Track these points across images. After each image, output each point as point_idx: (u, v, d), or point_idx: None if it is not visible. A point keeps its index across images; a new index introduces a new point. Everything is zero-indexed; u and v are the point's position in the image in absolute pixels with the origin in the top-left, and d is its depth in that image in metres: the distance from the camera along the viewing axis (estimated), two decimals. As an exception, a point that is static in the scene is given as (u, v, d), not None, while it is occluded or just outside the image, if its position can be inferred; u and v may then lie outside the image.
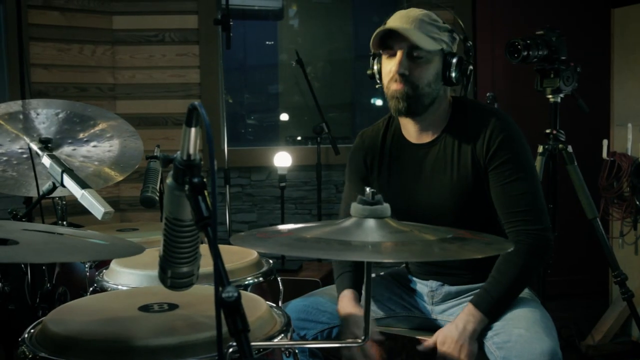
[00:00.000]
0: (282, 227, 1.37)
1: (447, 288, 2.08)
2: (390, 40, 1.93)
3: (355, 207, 1.26)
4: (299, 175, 4.27)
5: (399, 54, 1.92)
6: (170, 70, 4.25)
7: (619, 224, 3.51)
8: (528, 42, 2.83)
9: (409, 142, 2.07)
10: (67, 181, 2.08)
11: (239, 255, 1.99)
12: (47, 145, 2.36)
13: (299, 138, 5.13)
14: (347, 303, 1.97)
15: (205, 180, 1.13)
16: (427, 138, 2.04)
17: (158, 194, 2.69)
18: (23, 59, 3.18)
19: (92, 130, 2.55)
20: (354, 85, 6.11)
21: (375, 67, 2.04)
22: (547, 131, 2.97)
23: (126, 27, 4.20)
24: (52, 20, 3.98)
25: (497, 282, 1.89)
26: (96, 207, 1.97)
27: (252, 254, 2.02)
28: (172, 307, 1.45)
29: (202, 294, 1.52)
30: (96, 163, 2.48)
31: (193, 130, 1.12)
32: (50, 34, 3.98)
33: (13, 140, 2.42)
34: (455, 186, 1.99)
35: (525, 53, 2.83)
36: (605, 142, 3.46)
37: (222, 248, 2.00)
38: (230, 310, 0.99)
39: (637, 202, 3.30)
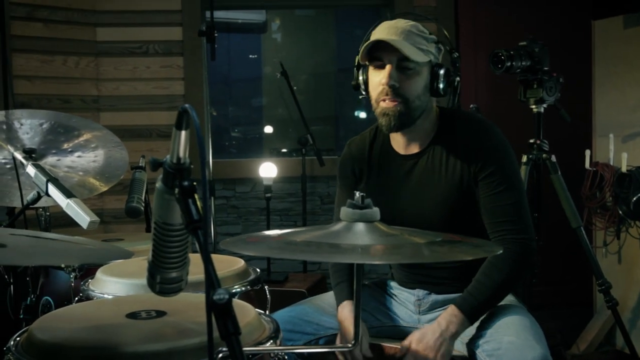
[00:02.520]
0: (271, 232, 1.36)
1: (434, 297, 2.07)
2: (379, 52, 1.92)
3: (344, 211, 1.26)
4: (284, 186, 4.27)
5: (388, 66, 1.91)
6: (155, 82, 4.24)
7: (602, 233, 3.54)
8: (511, 52, 2.86)
9: (397, 153, 2.08)
10: (52, 190, 2.06)
11: (226, 264, 1.98)
12: (31, 155, 2.35)
13: (283, 150, 5.13)
14: (348, 314, 1.95)
15: (195, 183, 1.13)
16: (414, 149, 2.04)
17: (143, 204, 2.68)
18: (7, 70, 3.16)
19: (76, 141, 2.54)
20: (337, 98, 6.13)
21: (361, 78, 2.03)
22: (531, 141, 3.00)
23: (110, 38, 4.19)
24: (36, 32, 3.96)
25: (481, 285, 1.89)
26: (81, 216, 1.95)
27: (239, 263, 2.01)
28: (160, 314, 1.43)
29: (190, 301, 1.51)
30: (81, 173, 2.46)
31: (183, 133, 1.12)
32: (33, 46, 3.95)
33: None
34: (443, 197, 1.99)
35: (509, 63, 2.85)
36: (587, 152, 3.49)
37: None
38: (221, 313, 0.98)
39: (620, 212, 3.33)
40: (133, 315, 1.42)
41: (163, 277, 1.23)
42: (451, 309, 1.87)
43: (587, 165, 3.48)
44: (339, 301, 2.03)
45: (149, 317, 1.41)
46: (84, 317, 1.43)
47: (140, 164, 2.82)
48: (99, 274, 1.92)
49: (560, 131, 3.32)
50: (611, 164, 3.43)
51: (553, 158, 2.97)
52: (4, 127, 2.50)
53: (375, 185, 2.10)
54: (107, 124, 4.02)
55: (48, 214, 2.57)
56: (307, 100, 5.19)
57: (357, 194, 1.26)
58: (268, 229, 3.63)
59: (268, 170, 3.20)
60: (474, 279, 1.92)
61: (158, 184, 1.16)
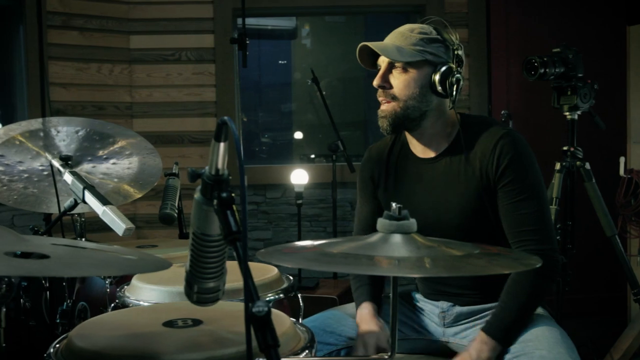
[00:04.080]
0: (307, 242, 1.36)
1: (459, 309, 2.03)
2: (377, 58, 1.98)
3: (381, 222, 1.25)
4: (314, 192, 4.27)
5: (381, 69, 1.96)
6: (187, 89, 4.27)
7: (637, 241, 3.49)
8: (545, 59, 2.83)
9: (415, 156, 2.06)
10: (89, 197, 2.09)
11: (259, 272, 1.98)
12: (68, 162, 2.38)
13: (312, 156, 5.13)
14: (366, 316, 1.95)
15: (233, 195, 1.13)
16: (431, 153, 2.02)
17: (176, 211, 2.70)
18: (44, 78, 3.21)
19: (111, 148, 2.55)
20: (366, 104, 6.12)
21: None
22: (565, 148, 2.96)
23: (143, 46, 4.24)
24: (71, 40, 4.02)
25: (507, 306, 1.85)
26: (117, 223, 1.97)
27: (273, 271, 2.01)
28: (197, 322, 1.44)
29: (227, 309, 1.52)
30: (116, 180, 2.47)
31: (222, 145, 1.12)
32: (69, 54, 4.01)
33: (34, 157, 2.42)
34: (460, 202, 1.96)
35: (542, 70, 2.82)
36: (622, 159, 3.44)
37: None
38: (260, 325, 0.98)
39: (656, 220, 3.28)
40: (170, 324, 1.43)
41: (201, 286, 1.24)
42: (480, 336, 1.83)
43: (621, 172, 3.42)
44: (358, 303, 2.02)
45: (186, 326, 1.42)
46: (122, 325, 1.44)
47: (173, 171, 2.84)
48: (134, 281, 1.94)
49: (593, 138, 3.27)
50: (646, 171, 3.38)
51: (587, 165, 2.93)
52: (41, 134, 2.53)
53: (393, 188, 2.09)
54: (140, 130, 4.07)
55: (83, 219, 2.59)
56: (337, 105, 5.20)
57: (394, 205, 1.26)
58: (299, 235, 3.62)
59: (300, 177, 3.21)
60: (499, 300, 1.88)
61: (196, 195, 1.16)
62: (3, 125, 4.20)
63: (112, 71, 4.18)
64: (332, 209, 3.96)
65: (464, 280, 2.02)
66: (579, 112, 2.94)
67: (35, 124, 2.55)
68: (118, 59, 4.19)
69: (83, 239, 2.53)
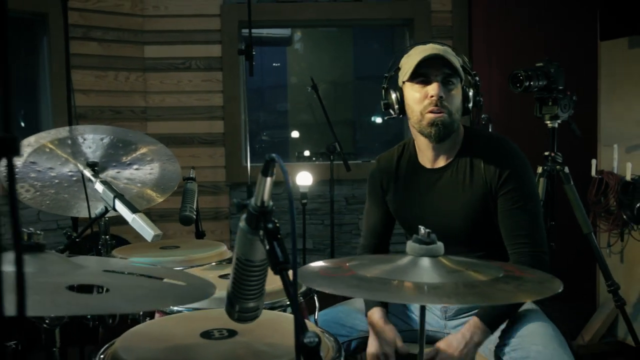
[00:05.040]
0: (338, 261, 1.30)
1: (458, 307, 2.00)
2: (424, 70, 1.87)
3: (411, 245, 1.20)
4: (313, 188, 4.21)
5: (435, 82, 1.87)
6: (196, 95, 4.18)
7: (606, 235, 3.47)
8: (529, 73, 2.79)
9: (423, 167, 2.02)
10: (119, 206, 2.03)
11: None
12: (94, 168, 2.31)
13: (307, 153, 5.06)
14: (377, 320, 1.90)
15: (278, 225, 1.07)
16: (440, 163, 1.98)
17: (195, 213, 2.64)
18: (70, 87, 3.12)
19: (133, 154, 2.48)
20: (355, 106, 6.07)
21: (394, 96, 1.97)
22: (546, 153, 2.92)
23: (156, 55, 4.14)
24: (91, 50, 3.92)
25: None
26: (146, 230, 1.93)
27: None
28: (232, 333, 1.38)
29: (259, 319, 1.46)
30: (139, 185, 2.40)
31: (269, 179, 1.07)
32: (89, 63, 3.91)
33: (63, 163, 2.35)
34: (465, 209, 1.93)
35: (527, 83, 2.78)
36: (593, 161, 3.41)
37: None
38: (310, 356, 0.93)
39: (625, 217, 3.26)
40: (207, 335, 1.36)
41: (242, 306, 1.18)
42: (474, 320, 1.80)
43: (593, 173, 3.40)
44: (368, 308, 1.97)
45: (222, 337, 1.36)
46: (163, 336, 1.38)
47: (191, 176, 2.79)
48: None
49: (567, 142, 3.24)
50: (615, 172, 3.35)
51: (566, 169, 2.90)
52: (69, 142, 2.46)
53: (401, 196, 2.04)
54: (154, 132, 3.99)
55: (107, 218, 2.52)
56: (327, 107, 5.16)
57: (422, 229, 1.20)
58: (304, 231, 3.55)
59: (305, 178, 3.14)
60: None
61: (242, 224, 1.10)
62: (25, 124, 4.11)
63: (128, 78, 4.08)
64: (330, 203, 3.90)
65: None
66: (559, 121, 2.91)
67: (63, 132, 2.48)
68: (133, 67, 4.09)
69: (107, 236, 2.46)
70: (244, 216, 1.09)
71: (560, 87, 2.84)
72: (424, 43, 1.95)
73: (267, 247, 1.02)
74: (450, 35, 4.13)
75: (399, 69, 1.97)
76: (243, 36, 4.16)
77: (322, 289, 1.09)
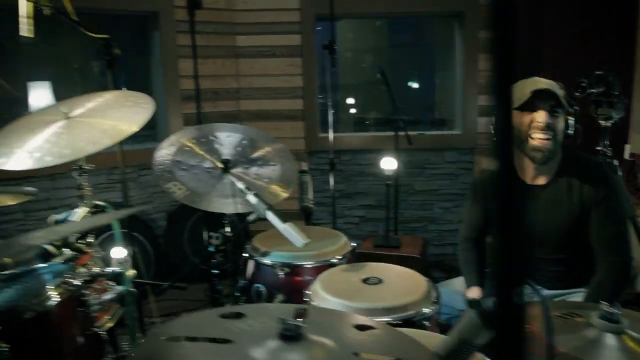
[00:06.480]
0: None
1: (545, 292, 2.00)
2: (533, 100, 1.86)
3: (597, 322, 1.20)
4: (370, 157, 4.19)
5: (543, 111, 1.86)
6: (280, 77, 4.14)
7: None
8: (591, 81, 2.73)
9: (524, 183, 1.99)
10: (270, 216, 2.01)
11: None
12: (227, 164, 2.29)
13: (367, 122, 5.01)
14: (476, 296, 1.97)
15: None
16: (540, 181, 1.97)
17: (311, 202, 2.64)
18: (198, 91, 3.10)
19: (259, 152, 2.41)
20: (393, 71, 5.92)
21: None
22: (598, 148, 2.90)
23: (247, 44, 4.08)
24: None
25: (589, 298, 1.85)
26: (296, 237, 1.92)
27: (422, 281, 1.76)
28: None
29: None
30: (266, 180, 2.33)
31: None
32: (192, 52, 3.84)
33: (200, 161, 2.30)
34: (560, 224, 1.92)
35: (590, 91, 2.73)
36: (627, 146, 3.38)
37: (394, 272, 1.86)
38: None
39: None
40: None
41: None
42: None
43: (626, 156, 3.37)
44: (469, 284, 2.03)
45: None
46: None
47: (303, 168, 2.76)
48: (318, 287, 1.77)
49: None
50: (646, 155, 3.33)
51: (615, 162, 2.88)
52: (203, 140, 2.41)
53: None
54: (245, 109, 3.98)
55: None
56: (365, 72, 4.95)
57: (607, 307, 1.19)
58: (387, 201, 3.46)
59: (389, 163, 3.11)
60: (586, 292, 1.86)
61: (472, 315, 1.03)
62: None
63: (223, 64, 4.04)
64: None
65: (552, 266, 1.99)
66: (612, 121, 2.86)
67: (195, 131, 2.43)
68: (227, 55, 4.04)
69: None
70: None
71: (616, 93, 2.78)
72: (526, 77, 1.93)
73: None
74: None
75: None
76: (317, 29, 4.05)
77: None
